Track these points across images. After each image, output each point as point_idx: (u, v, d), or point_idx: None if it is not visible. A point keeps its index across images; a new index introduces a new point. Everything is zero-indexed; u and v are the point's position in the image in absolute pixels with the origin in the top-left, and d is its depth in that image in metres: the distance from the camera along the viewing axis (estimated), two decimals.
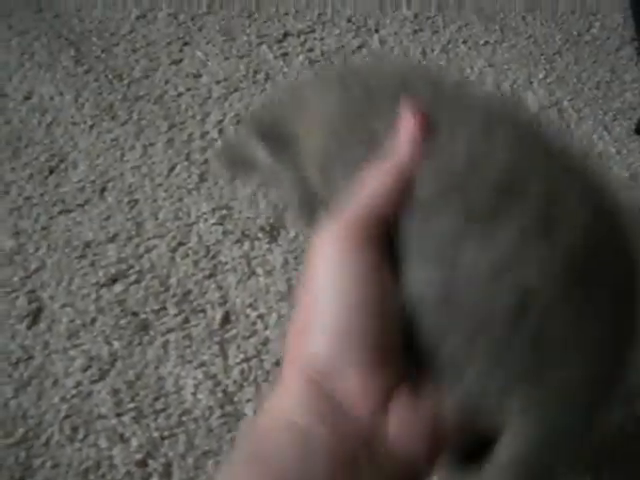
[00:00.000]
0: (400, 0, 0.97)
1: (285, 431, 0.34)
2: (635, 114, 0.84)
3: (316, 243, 0.37)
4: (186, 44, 0.90)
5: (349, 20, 0.95)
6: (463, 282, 0.33)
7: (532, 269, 0.33)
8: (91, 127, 0.79)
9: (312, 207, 0.46)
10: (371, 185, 0.37)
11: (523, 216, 0.34)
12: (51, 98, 0.82)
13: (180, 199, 0.72)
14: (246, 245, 0.68)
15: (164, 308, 0.64)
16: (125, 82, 0.84)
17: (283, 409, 0.35)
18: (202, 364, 0.60)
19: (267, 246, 0.68)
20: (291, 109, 0.47)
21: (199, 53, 0.89)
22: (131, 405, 0.57)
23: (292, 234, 0.69)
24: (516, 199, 0.34)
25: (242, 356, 0.61)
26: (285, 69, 0.87)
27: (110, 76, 0.84)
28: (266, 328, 0.63)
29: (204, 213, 0.70)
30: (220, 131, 0.79)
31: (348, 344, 0.34)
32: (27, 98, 0.82)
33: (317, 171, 0.44)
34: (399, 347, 0.35)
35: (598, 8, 1.00)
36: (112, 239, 0.68)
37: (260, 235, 0.69)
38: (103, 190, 0.73)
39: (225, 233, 0.69)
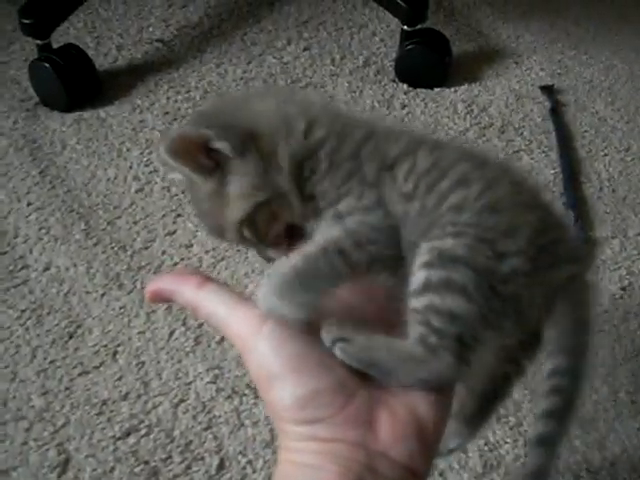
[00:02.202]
0: None
1: (300, 474, 0.43)
2: None
3: None
4: (179, 215, 1.07)
5: None
6: None
7: None
8: (102, 296, 0.94)
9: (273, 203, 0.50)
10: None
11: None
12: (67, 269, 0.97)
13: (179, 360, 0.87)
14: (236, 400, 0.83)
15: (170, 457, 0.78)
16: (129, 253, 1.00)
17: (292, 460, 0.44)
18: None
19: (253, 401, 0.83)
20: (248, 109, 0.51)
21: (190, 224, 1.06)
22: None
23: None
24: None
25: None
26: None
27: (116, 248, 1.01)
28: (254, 472, 0.78)
29: (200, 373, 0.86)
30: None
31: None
32: (46, 269, 0.97)
33: (291, 168, 0.49)
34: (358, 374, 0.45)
35: (533, 165, 1.19)
36: (124, 397, 0.83)
37: (247, 392, 0.84)
38: (115, 353, 0.88)
39: (218, 390, 0.84)
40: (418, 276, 0.46)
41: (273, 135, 0.49)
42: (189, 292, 0.48)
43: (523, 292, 0.47)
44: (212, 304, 0.48)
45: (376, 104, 1.28)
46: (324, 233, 0.48)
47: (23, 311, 0.92)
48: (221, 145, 0.48)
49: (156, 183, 1.12)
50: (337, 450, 0.43)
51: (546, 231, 0.49)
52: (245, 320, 0.46)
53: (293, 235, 0.52)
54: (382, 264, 0.48)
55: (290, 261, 0.46)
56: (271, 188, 0.49)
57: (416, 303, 0.46)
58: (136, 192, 1.11)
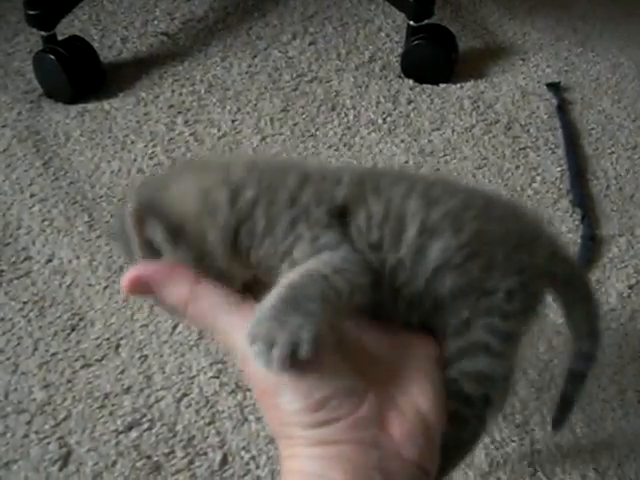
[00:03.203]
0: None
1: None
2: None
3: None
4: None
5: None
6: None
7: None
8: (105, 288, 0.93)
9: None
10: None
11: None
12: (69, 261, 0.97)
13: (183, 354, 0.86)
14: (239, 395, 0.83)
15: (172, 451, 0.77)
16: None
17: (298, 469, 0.43)
18: None
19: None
20: (170, 196, 0.48)
21: None
22: None
23: None
24: None
25: None
26: None
27: None
28: (257, 468, 0.77)
29: (203, 367, 0.85)
30: None
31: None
32: (49, 261, 0.97)
33: (225, 247, 0.47)
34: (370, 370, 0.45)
35: (539, 162, 1.18)
36: (127, 391, 0.82)
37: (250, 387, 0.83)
38: (117, 346, 0.87)
39: (221, 385, 0.83)
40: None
41: (198, 220, 0.47)
42: (184, 286, 0.45)
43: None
44: (209, 306, 0.45)
45: (382, 99, 1.27)
46: (298, 267, 0.46)
47: (25, 303, 0.91)
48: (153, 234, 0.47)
49: None
50: (346, 453, 0.43)
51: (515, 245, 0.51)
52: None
53: None
54: (362, 293, 0.46)
55: (272, 295, 0.43)
56: (211, 271, 0.47)
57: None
58: None
